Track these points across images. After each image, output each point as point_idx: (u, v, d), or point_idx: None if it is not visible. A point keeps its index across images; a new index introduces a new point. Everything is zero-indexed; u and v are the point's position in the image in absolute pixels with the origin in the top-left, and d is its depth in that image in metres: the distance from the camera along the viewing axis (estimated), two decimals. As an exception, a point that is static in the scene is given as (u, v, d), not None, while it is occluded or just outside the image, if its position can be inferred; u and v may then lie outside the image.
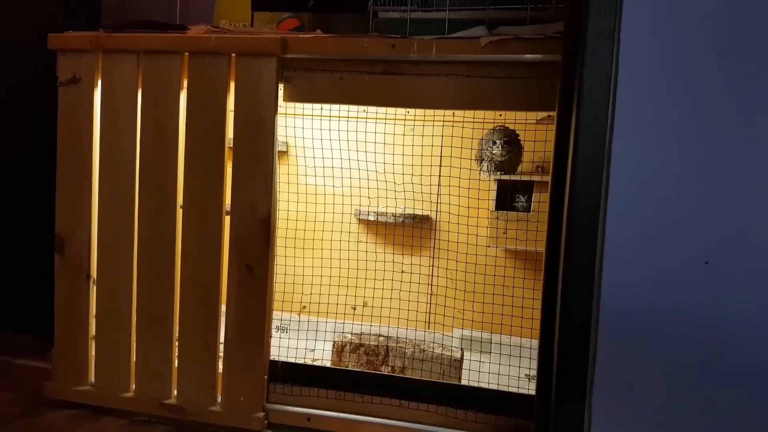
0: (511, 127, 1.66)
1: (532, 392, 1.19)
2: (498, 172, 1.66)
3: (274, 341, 1.40)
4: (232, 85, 1.32)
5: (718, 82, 0.92)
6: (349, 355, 1.52)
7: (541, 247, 1.18)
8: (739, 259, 0.93)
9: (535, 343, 1.15)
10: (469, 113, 1.60)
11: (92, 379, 1.44)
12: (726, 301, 0.94)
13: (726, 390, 0.95)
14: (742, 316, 0.93)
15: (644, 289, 0.96)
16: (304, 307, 1.72)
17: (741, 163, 0.92)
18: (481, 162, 1.68)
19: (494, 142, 1.62)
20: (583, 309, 0.99)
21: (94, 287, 1.41)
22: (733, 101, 0.92)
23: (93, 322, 1.42)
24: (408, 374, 1.47)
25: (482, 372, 1.36)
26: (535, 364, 1.16)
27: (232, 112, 1.33)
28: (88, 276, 1.40)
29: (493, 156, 1.63)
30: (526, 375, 1.41)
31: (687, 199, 0.94)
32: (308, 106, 1.64)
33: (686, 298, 0.95)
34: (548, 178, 1.11)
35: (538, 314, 1.14)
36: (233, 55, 1.31)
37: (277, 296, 1.44)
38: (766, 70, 0.90)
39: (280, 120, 1.33)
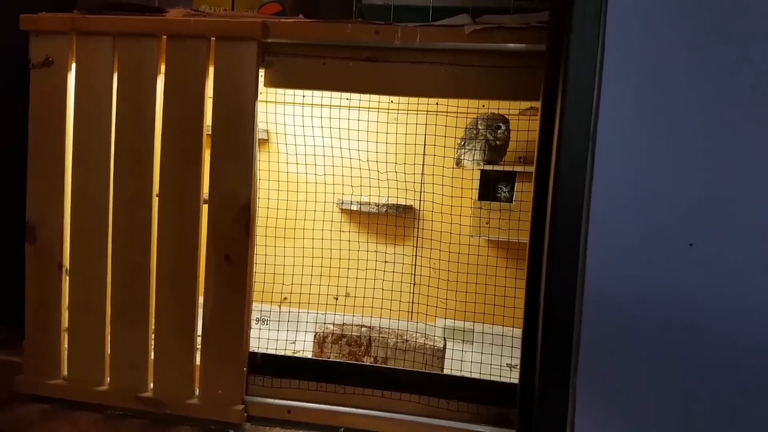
0: (494, 117, 1.66)
1: (515, 381, 1.19)
2: (482, 162, 1.66)
3: (253, 333, 1.37)
4: (212, 69, 1.29)
5: (708, 65, 0.91)
6: (331, 346, 1.50)
7: (523, 237, 1.17)
8: (725, 249, 0.92)
9: (517, 332, 1.15)
10: (453, 102, 1.59)
11: (65, 372, 1.40)
12: (710, 291, 0.94)
13: (708, 378, 0.95)
14: (726, 307, 0.93)
15: (628, 278, 0.96)
16: (285, 298, 1.70)
17: (730, 149, 0.92)
18: (464, 149, 1.67)
19: (498, 126, 1.62)
20: (566, 298, 0.98)
21: (67, 277, 1.37)
22: (724, 85, 0.91)
23: (66, 313, 1.38)
24: (391, 364, 1.46)
25: (465, 361, 1.36)
26: (516, 354, 1.16)
27: (211, 98, 1.30)
28: (60, 265, 1.36)
29: (496, 138, 1.63)
30: (507, 364, 1.41)
31: (674, 187, 0.93)
32: (290, 93, 1.61)
33: (670, 288, 0.95)
34: (531, 169, 1.10)
35: (520, 303, 1.14)
36: (213, 38, 1.28)
37: (257, 287, 1.42)
38: (757, 53, 0.90)
39: (260, 106, 1.31)
